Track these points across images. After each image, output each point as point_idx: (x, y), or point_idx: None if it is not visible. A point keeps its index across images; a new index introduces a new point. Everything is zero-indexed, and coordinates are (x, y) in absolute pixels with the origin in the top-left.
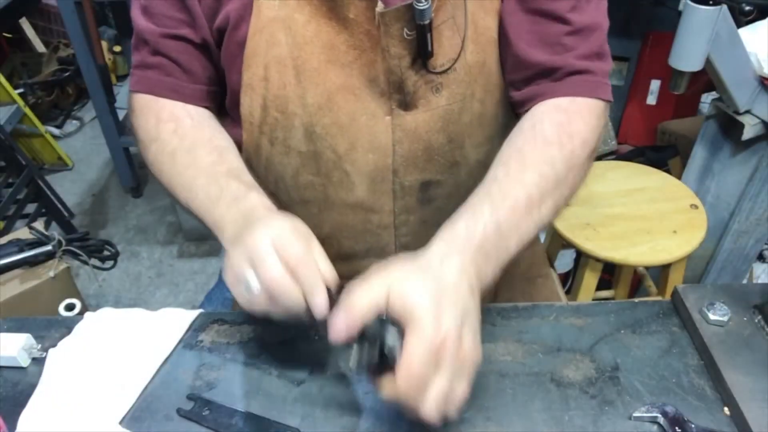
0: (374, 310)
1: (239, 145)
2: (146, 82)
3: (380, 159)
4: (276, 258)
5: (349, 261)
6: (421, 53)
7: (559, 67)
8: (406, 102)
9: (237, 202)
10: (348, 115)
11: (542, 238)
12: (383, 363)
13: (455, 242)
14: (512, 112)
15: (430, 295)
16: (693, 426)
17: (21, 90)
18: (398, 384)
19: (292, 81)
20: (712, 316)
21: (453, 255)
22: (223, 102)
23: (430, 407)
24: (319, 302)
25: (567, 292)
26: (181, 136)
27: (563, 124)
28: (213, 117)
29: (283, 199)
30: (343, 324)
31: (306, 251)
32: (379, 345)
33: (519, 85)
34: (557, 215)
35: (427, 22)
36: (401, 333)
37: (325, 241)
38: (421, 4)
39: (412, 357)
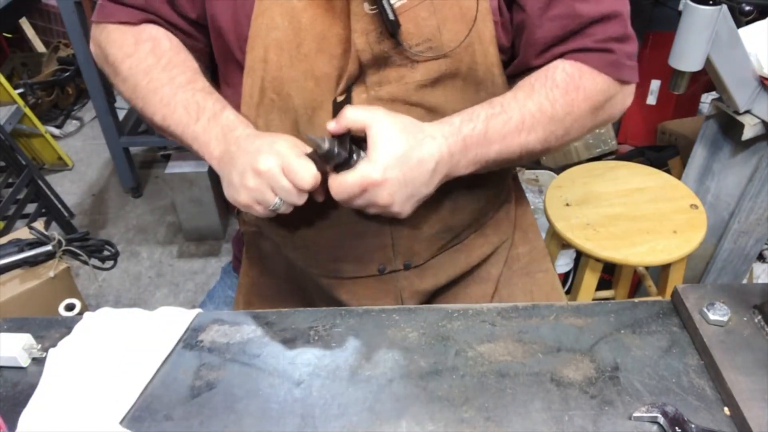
0: (358, 127)
1: None
2: (125, 14)
3: None
4: (287, 182)
5: (351, 241)
6: (387, 25)
7: (577, 49)
8: (380, 80)
9: (216, 119)
10: (336, 98)
11: (543, 235)
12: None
13: (446, 128)
14: (503, 84)
15: (395, 151)
16: (693, 426)
17: (21, 90)
18: (331, 186)
19: (287, 63)
20: (712, 316)
21: (439, 137)
22: None
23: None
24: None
25: (567, 292)
26: (158, 56)
27: (573, 77)
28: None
29: None
30: (335, 124)
31: (306, 169)
32: (345, 155)
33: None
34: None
35: None
36: (359, 157)
37: (329, 223)
38: None
39: (345, 180)
